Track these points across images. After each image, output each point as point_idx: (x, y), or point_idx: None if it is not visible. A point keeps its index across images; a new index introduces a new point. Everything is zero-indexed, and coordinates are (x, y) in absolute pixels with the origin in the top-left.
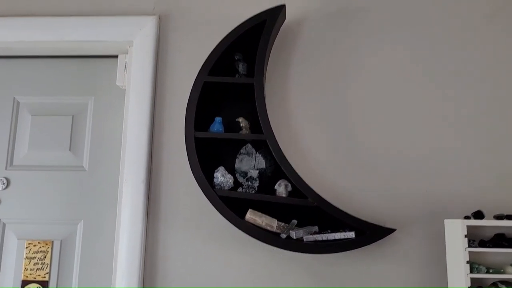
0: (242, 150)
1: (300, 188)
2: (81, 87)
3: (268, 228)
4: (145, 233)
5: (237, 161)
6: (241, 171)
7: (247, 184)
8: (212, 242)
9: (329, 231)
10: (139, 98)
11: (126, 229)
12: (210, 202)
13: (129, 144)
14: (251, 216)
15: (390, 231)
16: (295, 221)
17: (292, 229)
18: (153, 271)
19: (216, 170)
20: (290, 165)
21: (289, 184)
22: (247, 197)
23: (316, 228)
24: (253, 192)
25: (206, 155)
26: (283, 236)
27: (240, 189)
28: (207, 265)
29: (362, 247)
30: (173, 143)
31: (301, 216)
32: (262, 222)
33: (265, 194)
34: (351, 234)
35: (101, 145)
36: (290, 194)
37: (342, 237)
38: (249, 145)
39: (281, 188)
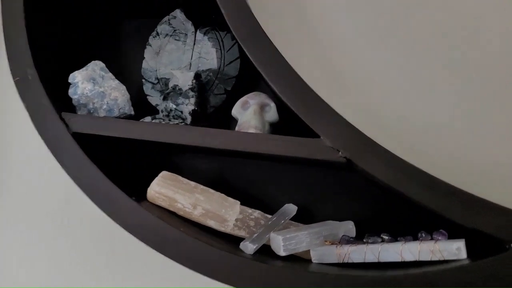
0: (162, 27)
1: (298, 112)
2: None
3: (211, 225)
4: None
5: (147, 53)
6: (155, 77)
7: (167, 107)
8: (76, 251)
9: (387, 236)
10: None
11: None
12: (50, 149)
13: None
14: (162, 190)
15: None
16: (291, 208)
17: (279, 229)
18: None
19: (84, 69)
20: (277, 51)
21: (272, 104)
22: (155, 139)
23: (349, 227)
24: (180, 123)
25: (71, 40)
26: (250, 248)
27: (147, 119)
28: None
29: None
30: None
31: (309, 194)
32: (193, 206)
33: (210, 128)
34: (454, 248)
35: None
36: (275, 128)
37: (427, 257)
38: (178, 12)
39: (249, 114)
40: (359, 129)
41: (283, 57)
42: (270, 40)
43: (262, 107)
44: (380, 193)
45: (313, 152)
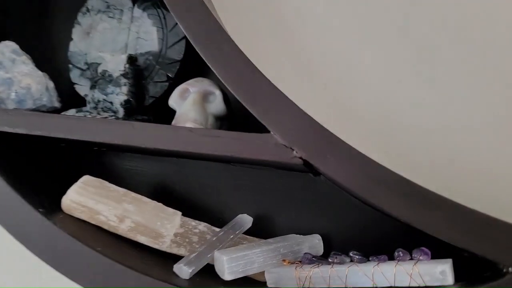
0: (93, 2)
1: (241, 99)
2: None
3: (143, 241)
4: None
5: (75, 33)
6: (85, 62)
7: (94, 98)
8: None
9: (357, 255)
10: None
11: None
12: None
13: None
14: (80, 199)
15: None
16: (245, 219)
17: (229, 245)
18: None
19: None
20: (217, 24)
21: (217, 92)
22: (63, 135)
23: (315, 242)
24: (110, 117)
25: None
26: (185, 272)
27: (71, 112)
28: None
29: None
30: None
31: (269, 203)
32: (120, 219)
33: (134, 122)
34: (437, 271)
35: None
36: (221, 123)
37: (404, 282)
38: None
39: (188, 104)
40: (323, 124)
41: (225, 31)
42: (208, 10)
43: (205, 96)
44: (354, 200)
45: (260, 151)
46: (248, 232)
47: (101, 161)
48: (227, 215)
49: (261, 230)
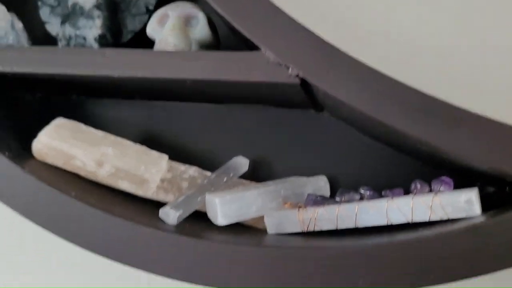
0: None
1: (224, 13)
2: None
3: (125, 187)
4: None
5: None
6: None
7: (65, 34)
8: None
9: (368, 191)
10: None
11: None
12: None
13: None
14: (53, 142)
15: None
16: (240, 161)
17: (218, 190)
18: None
19: None
20: None
21: (200, 15)
22: (37, 70)
23: (320, 185)
24: (80, 45)
25: None
26: (172, 216)
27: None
28: None
29: None
30: None
31: (267, 143)
32: (98, 164)
33: (101, 49)
34: (462, 201)
35: None
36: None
37: (424, 217)
38: None
39: (167, 30)
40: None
41: None
42: None
43: (187, 21)
44: (362, 138)
45: (250, 72)
46: (244, 177)
47: (81, 111)
48: (220, 160)
49: (259, 174)
